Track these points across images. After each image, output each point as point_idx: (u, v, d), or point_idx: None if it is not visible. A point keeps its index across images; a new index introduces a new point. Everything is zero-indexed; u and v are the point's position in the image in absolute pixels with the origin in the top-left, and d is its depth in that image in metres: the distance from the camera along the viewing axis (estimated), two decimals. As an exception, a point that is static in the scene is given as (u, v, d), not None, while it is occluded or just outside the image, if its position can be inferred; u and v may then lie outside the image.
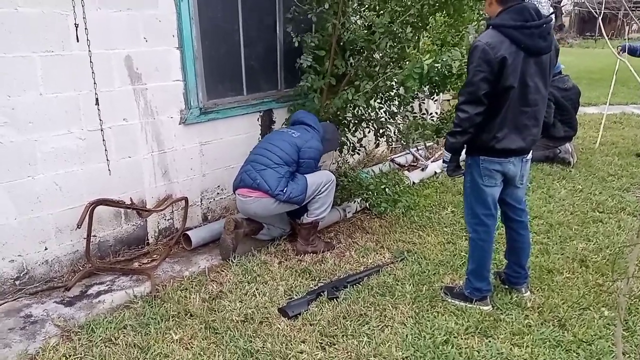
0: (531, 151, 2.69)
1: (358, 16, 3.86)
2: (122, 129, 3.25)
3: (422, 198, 4.49)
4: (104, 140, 3.14)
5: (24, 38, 2.72)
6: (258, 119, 4.13)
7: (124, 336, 2.53)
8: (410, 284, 3.05)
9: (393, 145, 4.75)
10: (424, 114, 4.43)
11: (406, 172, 5.14)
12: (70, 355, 2.39)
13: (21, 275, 2.96)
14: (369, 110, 4.10)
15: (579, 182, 4.96)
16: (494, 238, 2.79)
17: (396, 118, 4.33)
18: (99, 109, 3.07)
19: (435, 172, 5.27)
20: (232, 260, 3.30)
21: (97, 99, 3.05)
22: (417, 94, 4.07)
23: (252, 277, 3.12)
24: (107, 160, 3.20)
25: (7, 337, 2.54)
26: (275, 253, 3.47)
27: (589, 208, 4.28)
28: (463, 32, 3.68)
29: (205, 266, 3.29)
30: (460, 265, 3.28)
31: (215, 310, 2.77)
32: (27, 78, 2.77)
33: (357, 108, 3.95)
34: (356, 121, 4.24)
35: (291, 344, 2.49)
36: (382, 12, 3.55)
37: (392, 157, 5.61)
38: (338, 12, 3.64)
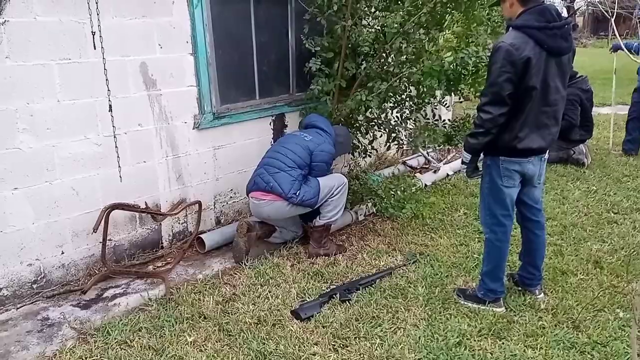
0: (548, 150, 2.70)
1: (370, 18, 3.88)
2: (138, 134, 3.30)
3: (432, 201, 4.49)
4: (116, 146, 3.20)
5: (43, 46, 2.78)
6: (270, 123, 4.16)
7: (139, 338, 2.57)
8: (422, 286, 3.05)
9: (404, 148, 4.76)
10: (436, 119, 4.43)
11: (418, 175, 5.14)
12: (86, 358, 2.43)
13: (39, 278, 3.02)
14: (381, 113, 4.11)
15: (593, 183, 4.91)
16: (510, 239, 2.78)
17: (407, 122, 4.34)
18: (112, 115, 3.13)
19: (448, 174, 5.26)
20: (245, 263, 3.33)
21: (110, 106, 3.11)
22: (431, 97, 4.07)
23: (265, 280, 3.14)
24: (123, 165, 3.26)
25: (25, 339, 2.59)
26: (288, 256, 3.49)
27: (604, 209, 4.24)
28: (475, 30, 3.67)
29: (218, 269, 3.33)
30: (473, 267, 3.27)
31: (228, 313, 2.80)
32: (45, 85, 2.84)
33: (369, 110, 3.95)
34: (368, 124, 4.26)
35: (304, 346, 2.51)
36: (393, 12, 3.56)
37: (404, 159, 5.62)
38: (347, 14, 3.67)
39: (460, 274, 3.22)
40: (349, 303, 2.89)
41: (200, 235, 3.59)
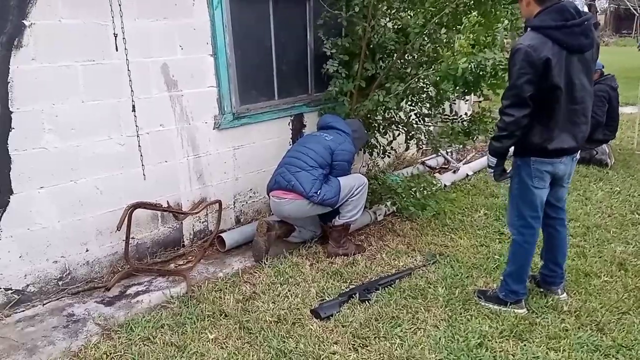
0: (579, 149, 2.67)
1: (388, 19, 3.87)
2: (159, 134, 3.35)
3: (452, 201, 4.45)
4: (139, 146, 3.25)
5: (67, 48, 2.84)
6: (289, 123, 4.18)
7: (162, 335, 2.60)
8: (442, 287, 3.03)
9: (424, 148, 4.73)
10: (455, 115, 4.39)
11: (437, 175, 5.11)
12: (111, 353, 2.48)
13: (64, 275, 3.08)
14: (399, 113, 4.10)
15: (616, 183, 4.83)
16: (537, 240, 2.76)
17: (426, 121, 4.31)
18: (135, 116, 3.18)
19: (467, 175, 5.22)
20: (264, 262, 3.36)
21: (133, 106, 3.16)
22: (446, 100, 4.05)
23: (285, 279, 3.16)
24: (145, 164, 3.30)
25: (52, 335, 2.65)
26: (307, 255, 3.50)
27: (628, 210, 4.16)
28: (495, 31, 3.63)
29: (238, 267, 3.36)
30: (493, 268, 3.24)
31: (249, 311, 2.82)
32: (70, 86, 2.90)
33: (387, 110, 3.95)
34: (386, 124, 4.25)
35: (324, 345, 2.52)
36: (415, 13, 3.55)
37: (423, 159, 5.59)
38: (368, 15, 3.66)
39: (480, 275, 3.19)
40: (369, 303, 2.89)
41: (220, 234, 3.63)
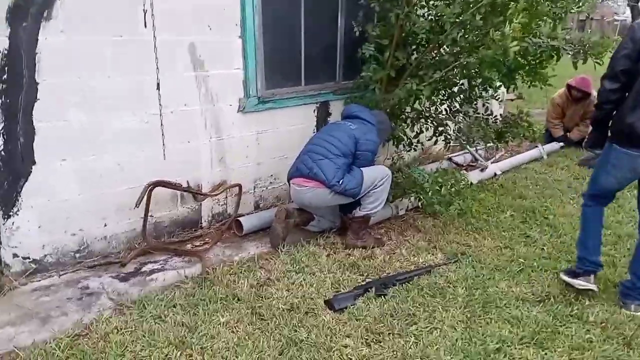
0: None
1: (425, 8, 3.74)
2: (183, 114, 3.32)
3: (479, 200, 4.32)
4: (162, 124, 3.23)
5: (96, 22, 2.82)
6: (314, 110, 4.11)
7: (173, 314, 2.59)
8: (462, 287, 2.93)
9: (451, 144, 4.60)
10: (487, 115, 4.25)
11: (464, 172, 4.96)
12: (121, 328, 2.47)
13: (81, 248, 3.10)
14: (430, 106, 3.97)
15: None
16: (601, 223, 2.86)
17: (457, 116, 4.18)
18: (159, 94, 3.16)
19: (495, 174, 5.06)
20: (281, 249, 3.31)
21: (158, 84, 3.13)
22: (484, 90, 3.92)
23: (300, 267, 3.11)
24: (167, 143, 3.28)
25: (65, 306, 2.66)
26: (324, 245, 3.44)
27: (663, 221, 3.95)
28: (536, 25, 3.45)
29: (254, 253, 3.32)
30: (517, 272, 3.12)
31: (262, 297, 2.78)
32: (97, 61, 2.88)
33: (417, 101, 3.82)
34: (415, 116, 4.13)
35: (336, 337, 2.46)
36: (451, 2, 3.42)
37: (450, 155, 5.45)
38: (402, 2, 3.55)
39: (503, 277, 3.07)
40: (385, 298, 2.81)
41: (238, 218, 3.60)
